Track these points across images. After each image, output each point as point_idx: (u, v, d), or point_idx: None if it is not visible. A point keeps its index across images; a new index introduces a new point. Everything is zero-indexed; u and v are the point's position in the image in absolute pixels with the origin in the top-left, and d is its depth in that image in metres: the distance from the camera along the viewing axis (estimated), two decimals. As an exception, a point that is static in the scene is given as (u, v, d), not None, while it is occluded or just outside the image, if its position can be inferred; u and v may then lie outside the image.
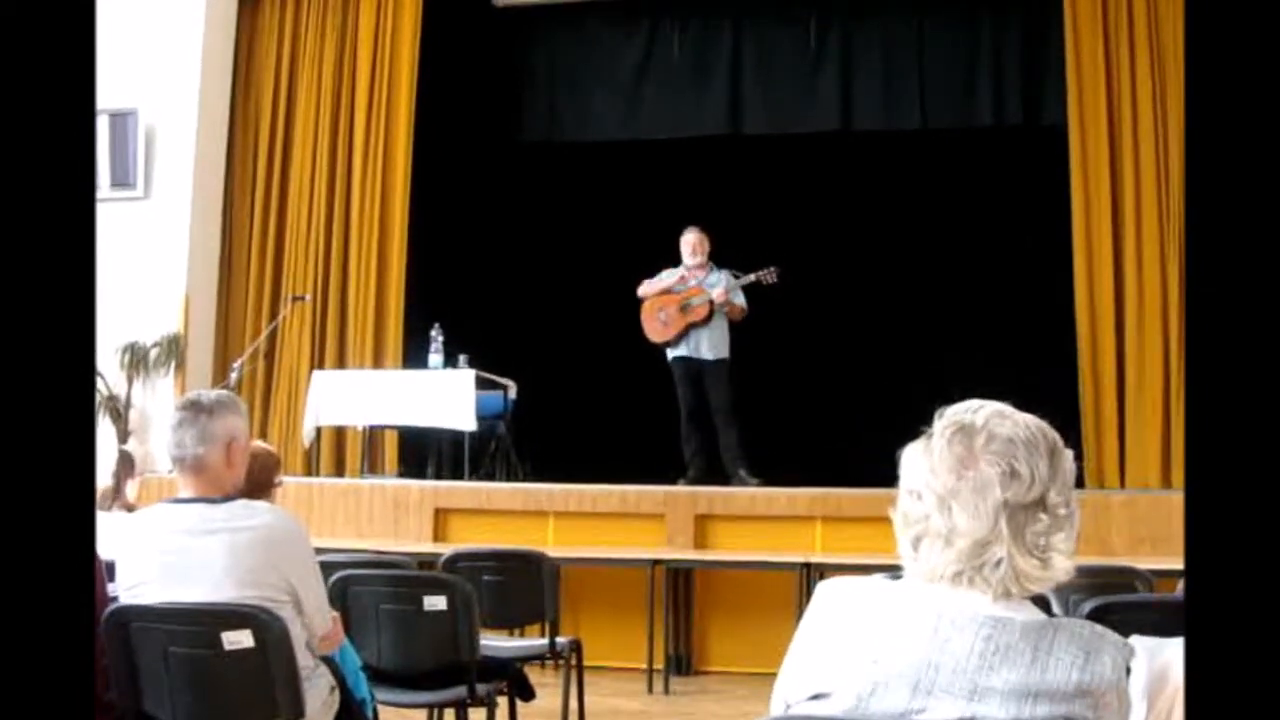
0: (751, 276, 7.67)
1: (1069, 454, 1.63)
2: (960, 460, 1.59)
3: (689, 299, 7.75)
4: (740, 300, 7.75)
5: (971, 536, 1.57)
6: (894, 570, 1.68)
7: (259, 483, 3.37)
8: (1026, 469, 1.57)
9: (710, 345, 7.75)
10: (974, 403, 1.65)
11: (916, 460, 1.64)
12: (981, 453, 1.59)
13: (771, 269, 7.66)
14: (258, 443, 3.47)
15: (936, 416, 1.65)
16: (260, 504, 3.11)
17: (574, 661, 4.85)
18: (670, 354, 7.86)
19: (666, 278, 7.87)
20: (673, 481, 7.43)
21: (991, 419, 1.62)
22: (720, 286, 7.70)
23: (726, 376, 7.78)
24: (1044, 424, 1.64)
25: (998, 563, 1.56)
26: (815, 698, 1.61)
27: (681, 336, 7.77)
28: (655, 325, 7.85)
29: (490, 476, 7.88)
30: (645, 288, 7.90)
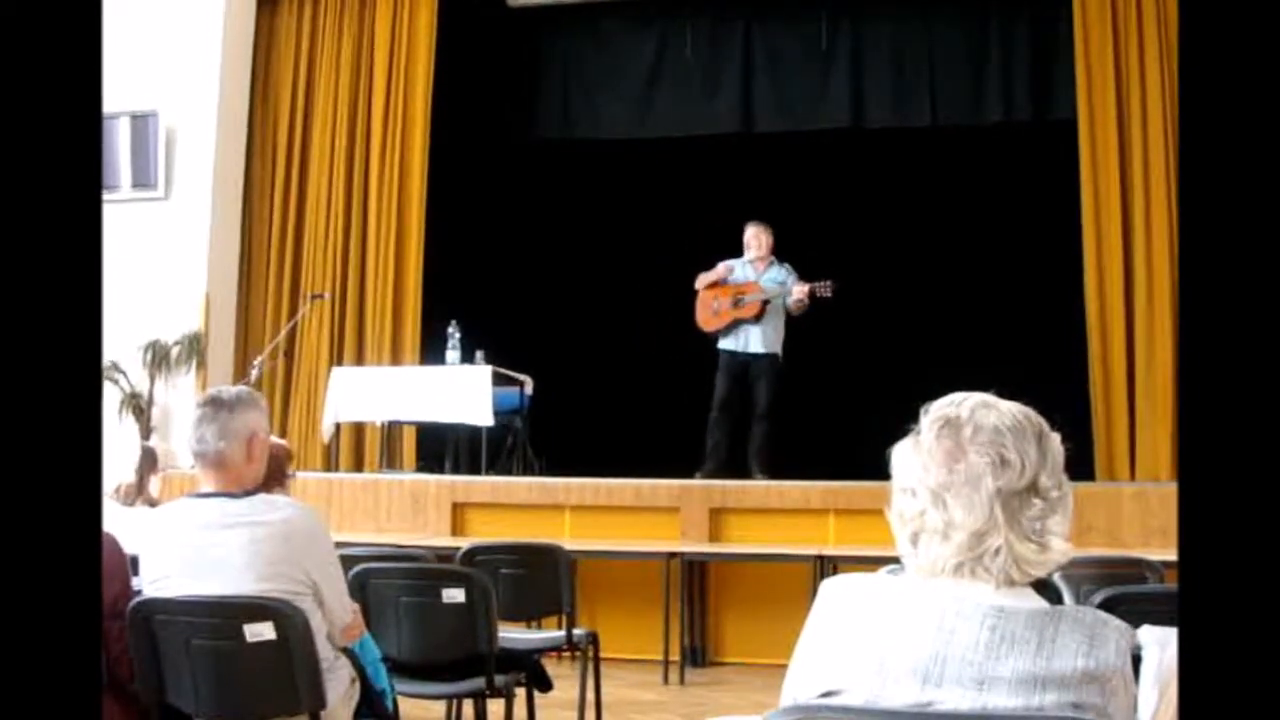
0: (805, 288, 7.58)
1: (1056, 437, 1.64)
2: (950, 454, 1.60)
3: (743, 294, 7.78)
4: (790, 301, 7.69)
5: (968, 528, 1.58)
6: (901, 564, 1.69)
7: (271, 476, 3.40)
8: (1016, 456, 1.58)
9: (761, 341, 7.77)
10: (957, 395, 1.66)
11: (907, 458, 1.65)
12: (970, 444, 1.60)
13: (827, 283, 7.56)
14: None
15: (922, 413, 1.66)
16: (281, 498, 3.15)
17: (591, 653, 4.86)
18: (720, 343, 7.88)
19: (722, 269, 7.84)
20: (688, 475, 7.46)
21: (977, 410, 1.63)
22: (775, 285, 7.72)
23: (773, 373, 7.76)
24: (1029, 410, 1.65)
25: (996, 551, 1.57)
26: (825, 696, 1.62)
27: (730, 329, 7.80)
28: (707, 313, 7.86)
29: (507, 471, 7.93)
30: (701, 280, 7.90)
